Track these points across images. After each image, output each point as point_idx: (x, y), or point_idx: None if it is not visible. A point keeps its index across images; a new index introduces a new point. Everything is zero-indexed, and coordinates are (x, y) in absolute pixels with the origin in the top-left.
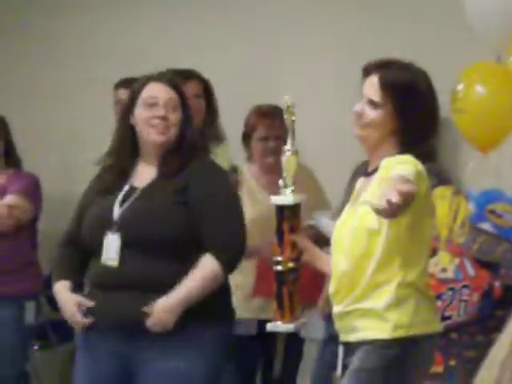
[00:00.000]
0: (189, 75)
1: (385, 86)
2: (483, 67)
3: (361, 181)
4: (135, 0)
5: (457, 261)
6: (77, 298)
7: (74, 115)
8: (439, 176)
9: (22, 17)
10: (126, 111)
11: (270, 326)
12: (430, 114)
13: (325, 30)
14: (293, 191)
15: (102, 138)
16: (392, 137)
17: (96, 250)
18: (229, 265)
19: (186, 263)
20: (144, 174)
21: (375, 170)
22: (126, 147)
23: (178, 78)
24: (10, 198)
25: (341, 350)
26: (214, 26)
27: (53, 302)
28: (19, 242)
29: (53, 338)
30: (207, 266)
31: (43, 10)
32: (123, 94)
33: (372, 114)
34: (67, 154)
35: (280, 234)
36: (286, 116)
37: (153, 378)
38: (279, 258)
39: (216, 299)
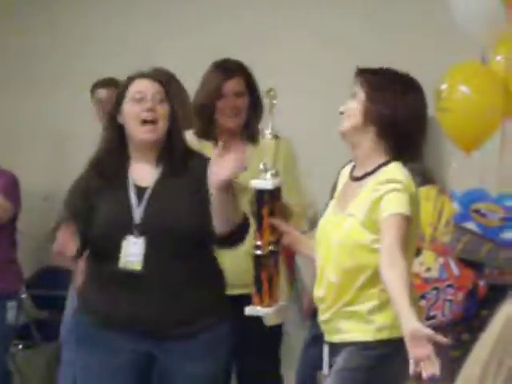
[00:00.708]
0: (229, 73)
1: (369, 84)
2: (467, 67)
3: (348, 183)
4: (132, 3)
5: (441, 260)
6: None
7: (53, 111)
8: (424, 176)
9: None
10: (113, 110)
11: (248, 310)
12: (418, 121)
13: (317, 31)
14: (273, 175)
15: (84, 135)
16: (381, 143)
17: (110, 252)
18: (240, 230)
19: (204, 262)
20: (143, 173)
21: (364, 176)
22: (117, 146)
23: (163, 74)
24: None
25: (326, 349)
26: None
27: (37, 301)
28: None
29: (37, 337)
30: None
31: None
32: (102, 93)
33: (352, 104)
34: (50, 151)
35: (259, 218)
36: (266, 99)
37: (180, 380)
38: (258, 243)
39: (222, 297)
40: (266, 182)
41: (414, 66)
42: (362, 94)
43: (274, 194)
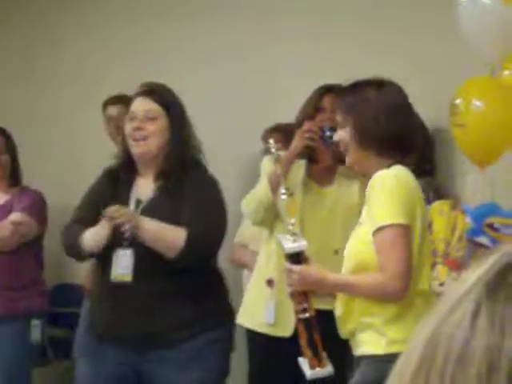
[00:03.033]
0: (328, 88)
1: (342, 109)
2: (480, 81)
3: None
4: (135, 21)
5: (454, 275)
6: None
7: (73, 133)
8: (437, 191)
9: (25, 38)
10: (122, 128)
11: (310, 375)
12: (403, 110)
13: (323, 47)
14: (295, 235)
15: (99, 154)
16: (384, 156)
17: (104, 264)
18: (190, 251)
19: (194, 273)
20: (143, 188)
21: None
22: (126, 161)
23: (164, 90)
24: (14, 216)
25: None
26: (216, 46)
27: (52, 319)
28: (24, 260)
29: (51, 354)
30: (177, 235)
31: (47, 32)
32: (112, 110)
33: (341, 135)
34: (66, 169)
35: None
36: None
37: None
38: (305, 305)
39: (217, 305)
40: (296, 245)
41: (421, 80)
42: (344, 123)
43: (299, 256)
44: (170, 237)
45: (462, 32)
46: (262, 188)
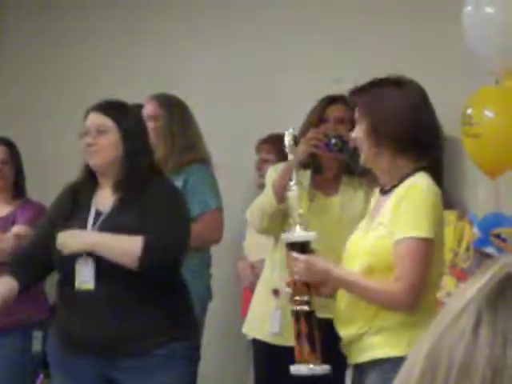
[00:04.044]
0: (332, 99)
1: (360, 106)
2: (491, 91)
3: (378, 199)
4: (135, 20)
5: (462, 285)
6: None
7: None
8: (444, 201)
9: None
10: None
11: (306, 370)
12: (421, 129)
13: (328, 57)
14: (302, 227)
15: None
16: (398, 156)
17: (66, 274)
18: (147, 261)
19: (153, 285)
20: (103, 199)
21: (392, 188)
22: (86, 174)
23: (116, 104)
24: (18, 228)
25: (349, 372)
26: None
27: None
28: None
29: None
30: (132, 244)
31: (53, 38)
32: None
33: (357, 133)
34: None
35: None
36: (289, 152)
37: None
38: (306, 298)
39: (184, 315)
40: (304, 234)
41: (428, 89)
42: (361, 120)
43: (305, 247)
44: (126, 247)
45: (466, 42)
46: (266, 196)
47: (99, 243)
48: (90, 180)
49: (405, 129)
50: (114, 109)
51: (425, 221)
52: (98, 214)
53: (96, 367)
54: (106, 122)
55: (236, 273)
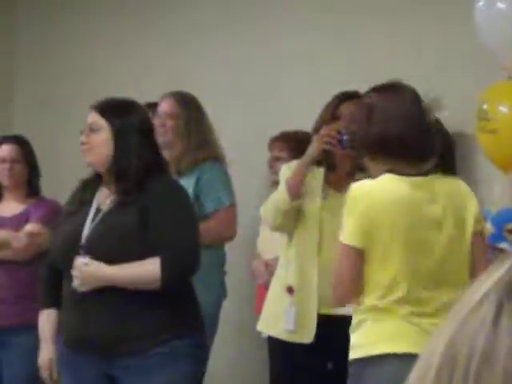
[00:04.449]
0: (346, 96)
1: None
2: (507, 87)
3: None
4: (148, 19)
5: None
6: (54, 356)
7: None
8: None
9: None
10: None
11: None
12: (395, 133)
13: (336, 52)
14: None
15: None
16: (371, 162)
17: (66, 271)
18: (169, 280)
19: None
20: (104, 196)
21: None
22: (94, 170)
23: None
24: (30, 227)
25: None
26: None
27: None
28: (39, 270)
29: None
30: (151, 268)
31: (66, 36)
32: None
33: None
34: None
35: None
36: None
37: None
38: None
39: (187, 313)
40: None
41: (437, 85)
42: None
43: None
44: (145, 274)
45: (478, 38)
46: (280, 194)
47: (118, 277)
48: (96, 177)
49: (373, 134)
50: (110, 107)
51: (349, 227)
52: (98, 210)
53: (96, 365)
54: (100, 120)
55: (250, 270)
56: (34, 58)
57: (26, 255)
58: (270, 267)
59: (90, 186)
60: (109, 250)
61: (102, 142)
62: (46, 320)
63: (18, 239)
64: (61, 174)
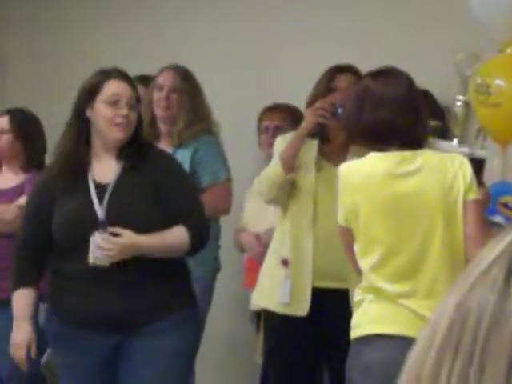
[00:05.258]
0: (339, 69)
1: None
2: (505, 60)
3: None
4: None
5: None
6: (31, 336)
7: None
8: None
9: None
10: (81, 106)
11: None
12: (384, 119)
13: (330, 30)
14: None
15: None
16: (366, 148)
17: (73, 250)
18: (197, 245)
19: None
20: (104, 170)
21: None
22: (83, 142)
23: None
24: (22, 199)
25: None
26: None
27: None
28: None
29: None
30: (180, 235)
31: (57, 17)
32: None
33: None
34: None
35: None
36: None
37: (145, 355)
38: None
39: (184, 288)
40: None
41: (428, 58)
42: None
43: None
44: (175, 242)
45: (472, 11)
46: (274, 167)
47: (153, 244)
48: (84, 147)
49: (362, 121)
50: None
51: (339, 208)
52: (100, 186)
53: (106, 341)
54: (134, 95)
55: (236, 243)
56: (25, 37)
57: (15, 227)
58: (262, 239)
59: (80, 158)
60: (129, 224)
61: (135, 118)
62: (25, 299)
63: (9, 211)
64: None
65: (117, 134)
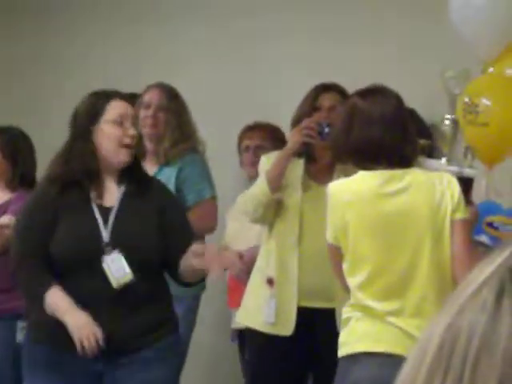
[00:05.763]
0: (325, 87)
1: None
2: (490, 79)
3: None
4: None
5: None
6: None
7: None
8: None
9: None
10: (85, 127)
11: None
12: (371, 138)
13: (323, 56)
14: None
15: None
16: (355, 167)
17: (70, 273)
18: None
19: (159, 280)
20: (106, 192)
21: None
22: (88, 163)
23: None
24: (3, 218)
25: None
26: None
27: None
28: (10, 262)
29: None
30: None
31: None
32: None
33: None
34: None
35: None
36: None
37: None
38: None
39: (171, 310)
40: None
41: (413, 75)
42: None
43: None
44: None
45: (455, 30)
46: (260, 186)
47: None
48: (80, 174)
49: (350, 141)
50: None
51: (328, 226)
52: (103, 209)
53: (92, 367)
54: (135, 115)
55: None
56: (25, 46)
57: None
58: (244, 258)
59: (83, 177)
60: (134, 248)
61: (137, 137)
62: (61, 293)
63: None
64: None
65: (123, 157)
